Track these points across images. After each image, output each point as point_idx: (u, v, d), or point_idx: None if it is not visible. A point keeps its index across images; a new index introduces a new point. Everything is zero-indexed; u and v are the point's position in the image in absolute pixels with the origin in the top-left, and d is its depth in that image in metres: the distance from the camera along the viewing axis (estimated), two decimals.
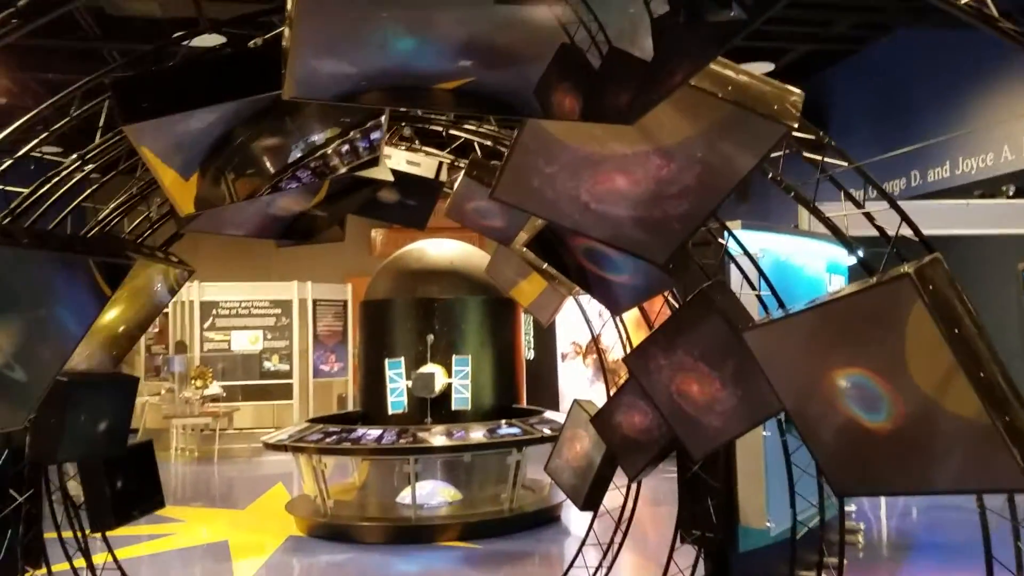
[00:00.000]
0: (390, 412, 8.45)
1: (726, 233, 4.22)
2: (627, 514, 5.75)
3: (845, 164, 3.37)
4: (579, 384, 13.49)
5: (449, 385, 8.44)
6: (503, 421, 7.78)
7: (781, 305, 4.09)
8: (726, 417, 4.07)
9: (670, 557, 5.10)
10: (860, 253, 3.34)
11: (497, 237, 5.06)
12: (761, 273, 4.11)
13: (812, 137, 3.24)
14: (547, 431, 7.65)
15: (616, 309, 4.75)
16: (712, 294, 3.93)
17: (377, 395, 8.62)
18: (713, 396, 4.12)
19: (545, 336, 13.96)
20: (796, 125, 2.82)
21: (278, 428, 14.26)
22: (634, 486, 5.73)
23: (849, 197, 3.21)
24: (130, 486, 5.16)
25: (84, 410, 4.51)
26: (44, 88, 9.91)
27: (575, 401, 5.61)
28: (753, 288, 4.22)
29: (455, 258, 9.12)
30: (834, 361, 3.30)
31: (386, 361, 8.55)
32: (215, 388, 13.24)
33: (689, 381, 4.23)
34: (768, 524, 5.34)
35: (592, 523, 5.92)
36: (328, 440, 7.42)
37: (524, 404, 9.52)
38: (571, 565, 5.94)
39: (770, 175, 3.31)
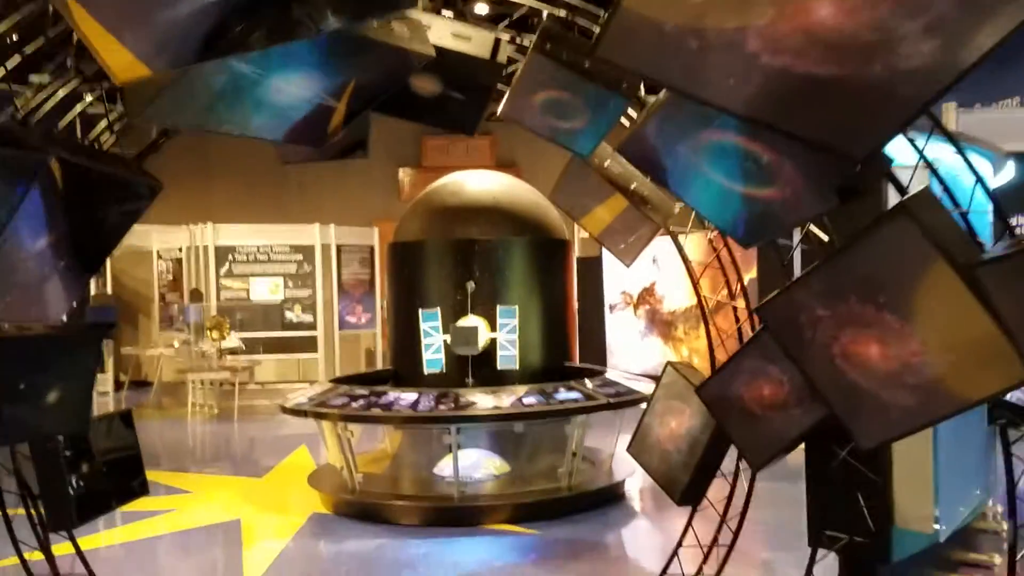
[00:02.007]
0: (425, 371, 7.29)
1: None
2: (732, 510, 4.52)
3: None
4: (630, 338, 12.27)
5: (493, 340, 7.24)
6: (560, 384, 6.57)
7: (1008, 230, 2.80)
8: (924, 393, 2.80)
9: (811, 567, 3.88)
10: None
11: (574, 144, 3.78)
12: (982, 184, 2.81)
13: None
14: (611, 396, 6.44)
15: (750, 239, 3.44)
16: (916, 210, 2.65)
17: (410, 352, 7.45)
18: (905, 361, 2.85)
19: (590, 284, 12.71)
20: None
21: (305, 383, 13.26)
22: (745, 474, 4.51)
23: None
24: (101, 471, 4.03)
25: (23, 376, 3.35)
26: None
27: (669, 364, 4.36)
28: (956, 205, 2.92)
29: (498, 192, 7.86)
30: None
31: (420, 312, 7.36)
32: (234, 340, 12.18)
33: (865, 341, 2.95)
34: (937, 527, 4.13)
35: (691, 520, 4.71)
36: (355, 405, 6.28)
37: (577, 362, 8.32)
38: (665, 571, 4.75)
39: None
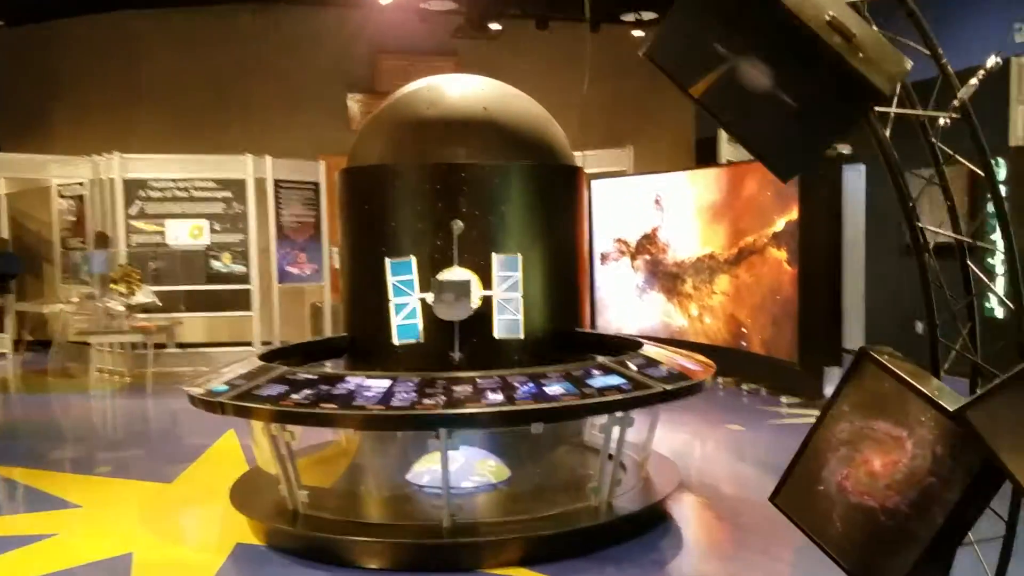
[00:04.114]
0: (396, 342, 5.33)
1: None
2: None
3: None
4: (625, 294, 10.41)
5: (489, 300, 5.30)
6: (592, 365, 4.66)
7: None
8: None
9: None
10: None
11: None
12: None
13: None
14: (664, 381, 4.55)
15: None
16: None
17: (373, 315, 5.47)
18: None
19: None
20: None
21: (239, 345, 11.16)
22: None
23: None
24: None
25: None
26: None
27: (865, 352, 2.47)
28: None
29: (491, 102, 5.84)
30: None
31: (387, 263, 5.36)
32: (146, 295, 9.99)
33: None
34: None
35: None
36: (297, 397, 4.27)
37: (588, 327, 6.43)
38: None
39: None
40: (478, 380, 4.30)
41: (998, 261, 5.77)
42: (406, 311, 5.35)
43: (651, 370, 4.66)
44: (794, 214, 8.03)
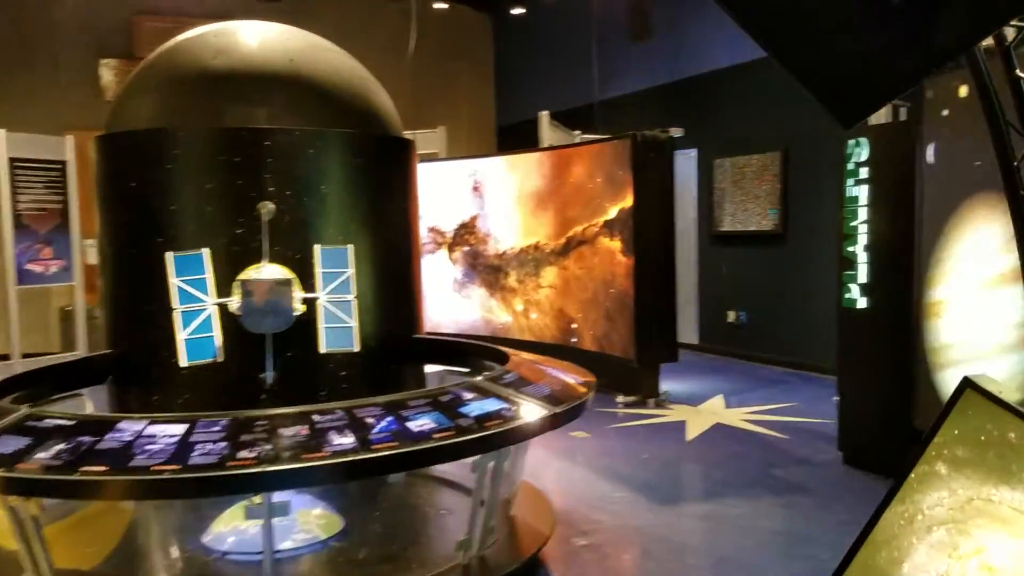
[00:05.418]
0: (184, 362, 4.02)
1: None
2: None
3: None
4: (441, 289, 9.44)
5: (312, 304, 4.13)
6: (461, 387, 3.63)
7: None
8: None
9: None
10: None
11: None
12: None
13: None
14: (551, 403, 3.62)
15: None
16: None
17: (148, 326, 4.12)
18: None
19: None
20: None
21: None
22: None
23: None
24: None
25: None
26: None
27: (969, 383, 1.65)
28: None
29: (297, 53, 4.64)
30: None
31: (169, 258, 4.04)
32: None
33: None
34: None
35: None
36: (46, 456, 2.90)
37: (423, 331, 5.38)
38: None
39: None
40: (315, 417, 3.14)
41: (859, 249, 5.41)
42: (197, 321, 4.06)
43: (529, 389, 3.72)
44: (628, 201, 7.42)
